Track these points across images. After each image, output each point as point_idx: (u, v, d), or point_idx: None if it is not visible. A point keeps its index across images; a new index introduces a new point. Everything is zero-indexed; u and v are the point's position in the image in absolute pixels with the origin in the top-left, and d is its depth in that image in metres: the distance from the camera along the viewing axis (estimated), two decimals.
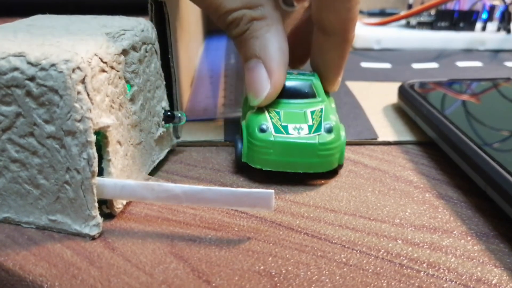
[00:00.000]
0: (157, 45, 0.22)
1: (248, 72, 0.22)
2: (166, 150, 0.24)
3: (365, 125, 0.28)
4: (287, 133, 0.21)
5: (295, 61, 0.28)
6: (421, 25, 0.48)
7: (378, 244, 0.18)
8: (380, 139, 0.27)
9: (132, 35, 0.20)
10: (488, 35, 0.47)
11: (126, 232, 0.19)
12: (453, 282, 0.16)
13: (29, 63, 0.16)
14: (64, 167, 0.18)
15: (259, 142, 0.21)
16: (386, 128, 0.28)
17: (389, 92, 0.32)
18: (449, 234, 0.19)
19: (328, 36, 0.23)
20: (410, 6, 0.52)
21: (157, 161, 0.23)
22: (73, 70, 0.16)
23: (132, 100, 0.20)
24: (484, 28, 0.48)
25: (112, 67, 0.18)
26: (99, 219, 0.18)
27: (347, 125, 0.28)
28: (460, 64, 0.42)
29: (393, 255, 0.18)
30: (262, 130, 0.21)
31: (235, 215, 0.20)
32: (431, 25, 0.48)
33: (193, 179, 0.23)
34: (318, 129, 0.22)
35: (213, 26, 0.49)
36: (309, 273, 0.17)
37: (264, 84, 0.22)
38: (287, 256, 0.18)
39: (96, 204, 0.18)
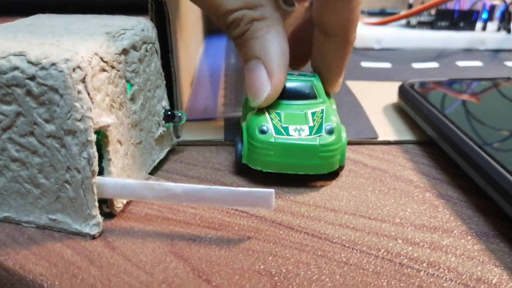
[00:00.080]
0: (157, 45, 0.22)
1: (248, 73, 0.22)
2: (166, 150, 0.24)
3: (365, 125, 0.28)
4: (288, 134, 0.21)
5: (296, 62, 0.28)
6: (421, 24, 0.48)
7: (378, 244, 0.18)
8: (380, 138, 0.27)
9: (132, 34, 0.20)
10: (488, 35, 0.47)
11: (126, 231, 0.19)
12: (453, 282, 0.16)
13: (29, 62, 0.16)
14: (64, 166, 0.18)
15: (260, 144, 0.21)
16: (386, 128, 0.28)
17: (389, 92, 0.32)
18: (449, 233, 0.19)
19: (329, 37, 0.23)
20: (410, 6, 0.52)
21: (157, 160, 0.23)
22: (74, 70, 0.16)
23: (132, 99, 0.20)
24: (484, 28, 0.48)
25: (112, 67, 0.18)
26: (99, 218, 0.18)
27: (347, 125, 0.28)
28: (460, 63, 0.42)
29: (393, 254, 0.18)
30: (263, 132, 0.21)
31: (235, 214, 0.20)
32: (431, 25, 0.48)
33: (193, 179, 0.23)
34: (319, 130, 0.22)
35: (213, 26, 0.49)
36: (309, 272, 0.17)
37: (264, 85, 0.22)
38: (287, 255, 0.18)
39: (96, 204, 0.18)
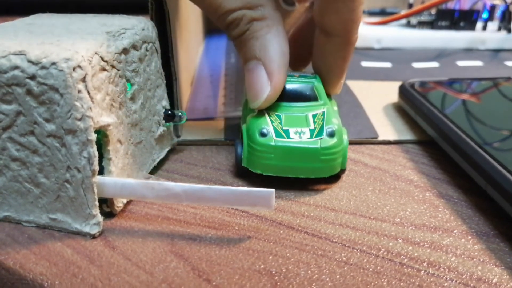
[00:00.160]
0: (157, 44, 0.22)
1: (248, 73, 0.22)
2: (167, 149, 0.24)
3: (365, 124, 0.28)
4: (288, 137, 0.21)
5: (296, 63, 0.28)
6: (421, 24, 0.48)
7: (378, 243, 0.18)
8: (380, 138, 0.27)
9: (132, 34, 0.20)
10: (488, 35, 0.47)
11: (126, 230, 0.19)
12: (453, 281, 0.16)
13: (29, 61, 0.16)
14: (64, 165, 0.18)
15: (260, 147, 0.21)
16: (387, 127, 0.28)
17: (389, 91, 0.32)
18: (450, 233, 0.19)
19: (331, 38, 0.23)
20: (410, 6, 0.52)
21: (158, 160, 0.23)
22: (74, 69, 0.16)
23: (132, 99, 0.20)
24: (484, 28, 0.48)
25: (112, 66, 0.18)
26: (100, 217, 0.18)
27: (347, 124, 0.28)
28: (461, 63, 0.42)
29: (394, 254, 0.18)
30: (263, 134, 0.21)
31: (235, 214, 0.20)
32: (431, 25, 0.48)
33: (194, 178, 0.23)
34: (320, 133, 0.21)
35: (214, 25, 0.49)
36: (309, 272, 0.17)
37: (264, 86, 0.21)
38: (288, 255, 0.18)
39: (97, 203, 0.18)
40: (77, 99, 0.16)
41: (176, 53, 0.25)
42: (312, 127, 0.22)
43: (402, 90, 0.30)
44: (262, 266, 0.17)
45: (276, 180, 0.22)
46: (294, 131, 0.21)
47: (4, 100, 0.17)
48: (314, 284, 0.16)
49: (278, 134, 0.21)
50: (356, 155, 0.25)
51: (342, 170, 0.22)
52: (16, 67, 0.16)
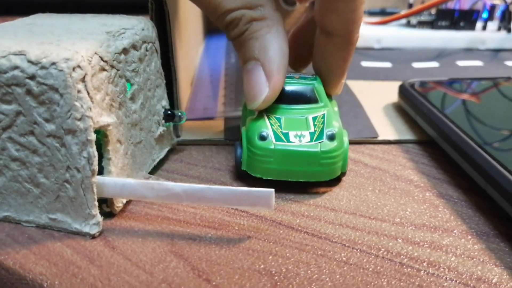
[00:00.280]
0: (157, 44, 0.22)
1: (246, 74, 0.22)
2: (166, 149, 0.24)
3: (365, 124, 0.28)
4: (288, 141, 0.21)
5: (297, 63, 0.27)
6: (421, 24, 0.48)
7: (378, 243, 0.18)
8: (380, 138, 0.27)
9: (132, 34, 0.20)
10: (488, 35, 0.47)
11: (126, 230, 0.19)
12: (453, 281, 0.16)
13: (29, 61, 0.16)
14: (64, 165, 0.18)
15: (259, 151, 0.21)
16: (387, 127, 0.28)
17: (389, 91, 0.32)
18: (450, 233, 0.19)
19: (331, 38, 0.23)
20: (410, 5, 0.52)
21: (157, 160, 0.23)
22: (74, 69, 0.16)
23: (132, 99, 0.20)
24: (484, 28, 0.48)
25: (112, 66, 0.18)
26: (99, 217, 0.18)
27: (347, 124, 0.28)
28: (461, 63, 0.42)
29: (394, 254, 0.18)
30: (262, 138, 0.21)
31: (235, 214, 0.20)
32: (431, 24, 0.48)
33: (193, 178, 0.23)
34: (320, 136, 0.21)
35: (214, 25, 0.49)
36: (309, 272, 0.17)
37: (262, 87, 0.21)
38: (287, 255, 0.18)
39: (96, 203, 0.18)
40: (76, 99, 0.16)
41: (176, 53, 0.25)
42: (312, 130, 0.21)
43: (402, 90, 0.30)
44: (262, 266, 0.17)
45: (276, 181, 0.22)
46: (294, 135, 0.21)
47: (4, 100, 0.17)
48: (314, 284, 0.16)
49: (277, 138, 0.21)
50: (356, 155, 0.25)
51: (343, 173, 0.22)
52: (16, 67, 0.16)
